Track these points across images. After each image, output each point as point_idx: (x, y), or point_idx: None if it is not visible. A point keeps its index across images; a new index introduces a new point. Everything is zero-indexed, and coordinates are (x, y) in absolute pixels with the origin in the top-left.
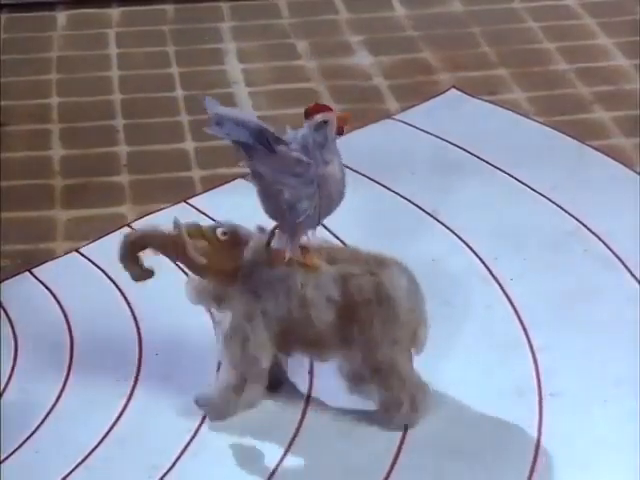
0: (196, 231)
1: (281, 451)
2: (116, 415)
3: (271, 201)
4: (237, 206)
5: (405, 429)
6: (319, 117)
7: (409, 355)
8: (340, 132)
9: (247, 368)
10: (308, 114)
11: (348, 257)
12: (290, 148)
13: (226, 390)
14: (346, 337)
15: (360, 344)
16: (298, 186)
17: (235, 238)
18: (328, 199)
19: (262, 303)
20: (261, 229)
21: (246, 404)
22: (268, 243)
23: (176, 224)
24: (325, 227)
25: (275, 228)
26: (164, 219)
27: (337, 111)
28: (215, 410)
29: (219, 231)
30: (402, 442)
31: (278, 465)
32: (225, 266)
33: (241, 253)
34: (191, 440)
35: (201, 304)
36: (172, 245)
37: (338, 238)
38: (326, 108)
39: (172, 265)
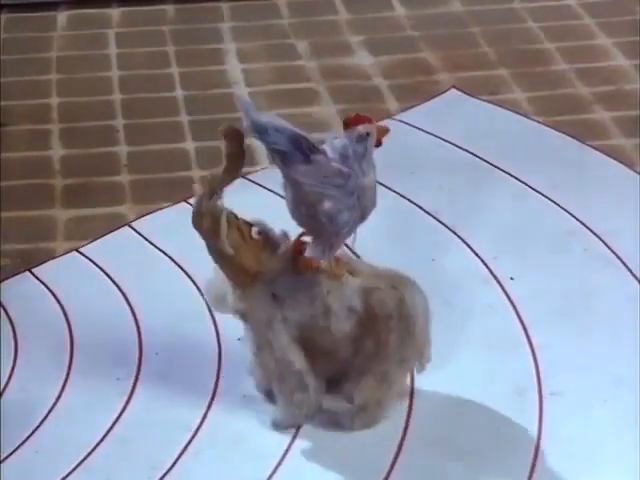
0: (234, 220)
1: (281, 451)
2: (116, 415)
3: (307, 210)
4: (237, 206)
5: (405, 429)
6: (361, 129)
7: (407, 373)
8: (378, 144)
9: (284, 372)
10: (347, 125)
11: (368, 270)
12: (328, 158)
13: (290, 396)
14: (358, 349)
15: (369, 357)
16: (339, 197)
17: (267, 240)
18: (363, 210)
19: (284, 309)
20: (285, 235)
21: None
22: (296, 251)
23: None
24: None
25: (302, 235)
26: (164, 219)
27: (377, 123)
28: (295, 418)
29: (254, 229)
30: (402, 442)
31: (278, 465)
32: (250, 266)
33: (268, 257)
34: (191, 439)
35: (218, 311)
36: (208, 212)
37: None
38: (366, 119)
39: (172, 265)
